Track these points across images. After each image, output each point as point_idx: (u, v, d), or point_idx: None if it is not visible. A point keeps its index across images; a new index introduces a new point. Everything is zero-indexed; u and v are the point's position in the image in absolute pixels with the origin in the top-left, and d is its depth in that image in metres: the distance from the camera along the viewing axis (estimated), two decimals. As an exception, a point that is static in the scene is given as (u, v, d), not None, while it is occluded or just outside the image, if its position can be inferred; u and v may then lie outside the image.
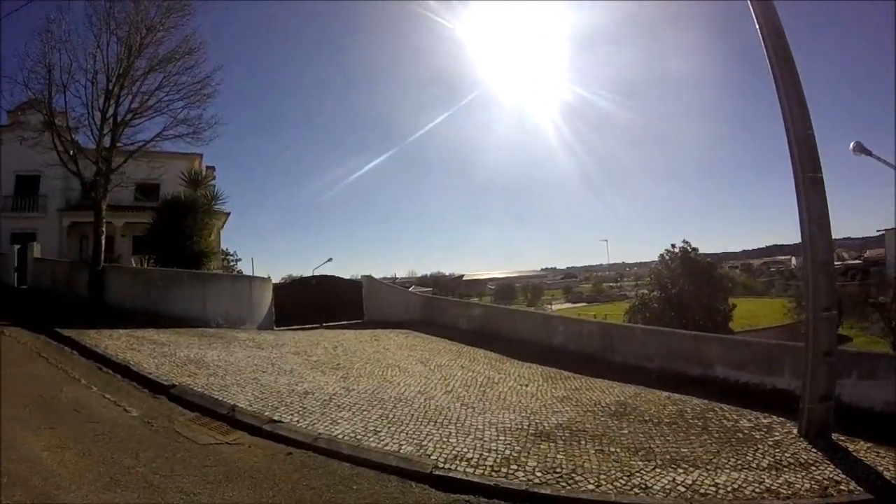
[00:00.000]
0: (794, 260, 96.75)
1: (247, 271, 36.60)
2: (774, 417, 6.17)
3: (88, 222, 24.62)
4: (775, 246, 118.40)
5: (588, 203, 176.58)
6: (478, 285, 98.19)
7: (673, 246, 29.71)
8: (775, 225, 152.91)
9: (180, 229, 15.71)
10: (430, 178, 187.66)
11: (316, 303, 16.00)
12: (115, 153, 14.08)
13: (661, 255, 29.99)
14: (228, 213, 28.35)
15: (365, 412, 6.04)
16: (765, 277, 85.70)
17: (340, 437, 5.21)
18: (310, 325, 15.17)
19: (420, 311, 15.59)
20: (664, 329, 9.92)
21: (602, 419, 6.07)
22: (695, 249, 29.03)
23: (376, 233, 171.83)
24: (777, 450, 5.20)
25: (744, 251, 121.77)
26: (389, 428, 5.50)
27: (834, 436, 5.54)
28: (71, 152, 13.39)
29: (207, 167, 37.10)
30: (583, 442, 5.28)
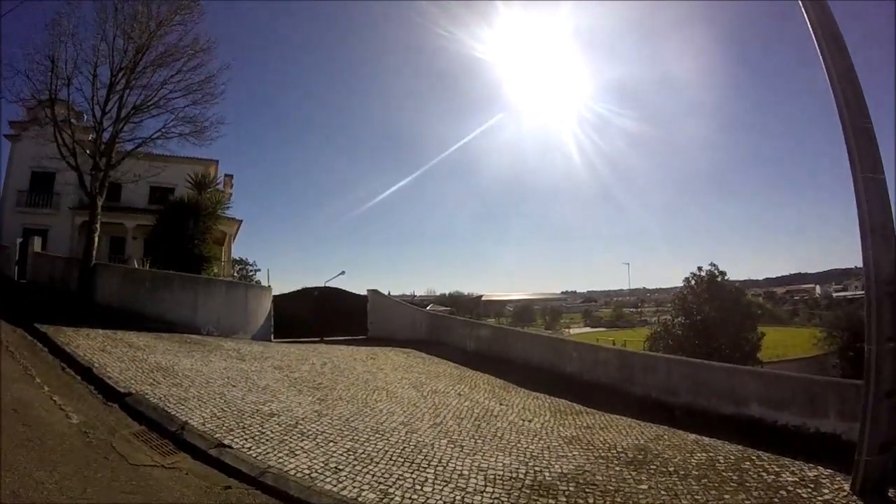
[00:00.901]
0: (818, 288, 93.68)
1: (263, 282, 36.25)
2: (821, 469, 5.11)
3: (101, 222, 24.94)
4: (798, 274, 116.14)
5: (610, 227, 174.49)
6: (496, 306, 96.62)
7: (699, 269, 28.04)
8: (798, 253, 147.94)
9: (182, 232, 15.24)
10: (451, 197, 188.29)
11: (318, 316, 15.21)
12: (115, 150, 13.82)
13: (686, 279, 28.23)
14: (240, 221, 28.01)
15: (331, 443, 5.11)
16: (788, 306, 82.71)
17: (293, 472, 4.31)
18: (309, 339, 14.39)
19: (426, 329, 14.66)
20: (692, 359, 8.74)
21: (617, 469, 4.99)
22: (722, 273, 27.36)
23: (396, 250, 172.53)
24: (829, 514, 4.13)
25: (766, 279, 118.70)
26: (354, 466, 4.55)
27: (891, 492, 4.52)
28: (70, 146, 13.09)
29: (225, 175, 37.08)
30: (591, 499, 4.24)
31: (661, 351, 25.76)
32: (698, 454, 5.57)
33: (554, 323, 76.32)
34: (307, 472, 4.35)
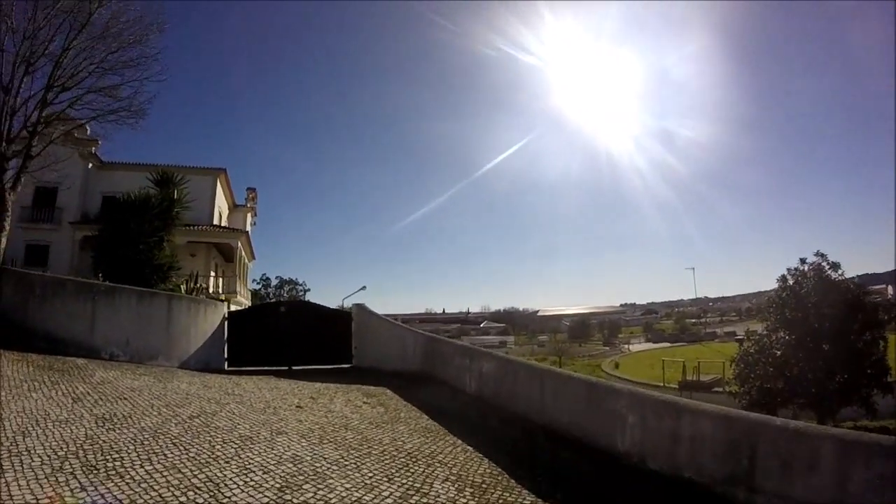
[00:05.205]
0: (890, 289, 79.14)
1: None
2: None
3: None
4: (867, 275, 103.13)
5: (668, 234, 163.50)
6: (552, 321, 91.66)
7: (803, 262, 20.15)
8: (866, 253, 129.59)
9: (123, 236, 12.27)
10: (504, 210, 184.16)
11: (291, 338, 11.65)
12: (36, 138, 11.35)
13: (783, 278, 20.33)
14: (246, 233, 25.44)
15: None
16: (865, 309, 71.04)
17: None
18: (273, 368, 10.85)
19: (420, 357, 10.54)
20: (888, 438, 3.90)
21: None
22: (834, 266, 19.56)
23: (450, 266, 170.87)
24: None
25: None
26: None
27: None
28: None
29: (248, 189, 35.45)
30: None
31: (753, 383, 19.76)
32: None
33: (612, 337, 69.36)
34: None
